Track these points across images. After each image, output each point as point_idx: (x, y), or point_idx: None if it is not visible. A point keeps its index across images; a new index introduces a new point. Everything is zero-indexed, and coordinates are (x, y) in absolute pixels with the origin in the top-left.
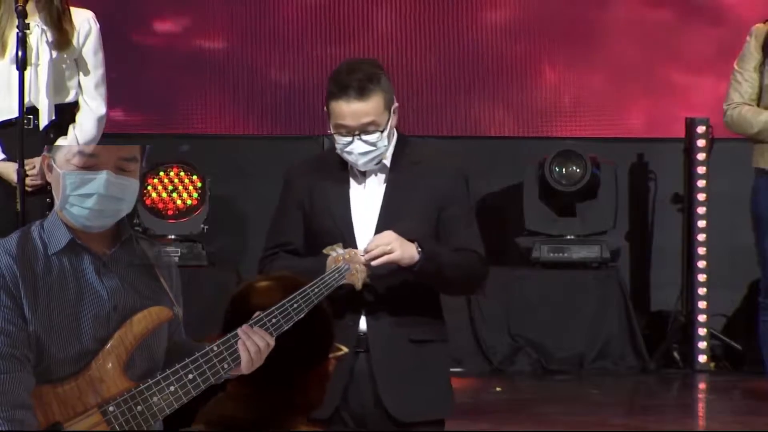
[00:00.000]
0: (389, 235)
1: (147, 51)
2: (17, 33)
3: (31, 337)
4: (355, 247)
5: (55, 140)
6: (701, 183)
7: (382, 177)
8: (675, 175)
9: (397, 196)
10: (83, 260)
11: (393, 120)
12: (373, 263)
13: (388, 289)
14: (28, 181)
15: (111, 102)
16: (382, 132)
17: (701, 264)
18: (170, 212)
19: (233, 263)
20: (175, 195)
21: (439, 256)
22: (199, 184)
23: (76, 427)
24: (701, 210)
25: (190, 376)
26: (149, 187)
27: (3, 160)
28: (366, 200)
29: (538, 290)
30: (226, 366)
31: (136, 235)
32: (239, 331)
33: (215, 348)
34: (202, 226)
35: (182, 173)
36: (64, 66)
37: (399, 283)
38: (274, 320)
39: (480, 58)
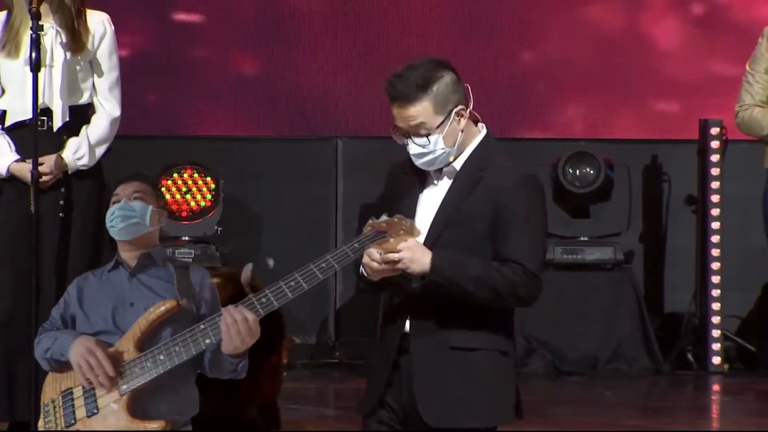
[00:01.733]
0: (406, 244)
1: (163, 48)
2: (31, 34)
3: (68, 321)
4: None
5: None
6: (715, 184)
7: (449, 182)
8: (689, 177)
9: (453, 200)
10: (121, 273)
11: (455, 123)
12: (382, 268)
13: (429, 297)
14: (41, 180)
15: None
16: (429, 135)
17: (715, 265)
18: (184, 214)
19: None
20: (188, 196)
21: (454, 270)
22: (212, 186)
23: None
24: (715, 211)
25: (177, 348)
26: (163, 189)
27: (17, 161)
28: (431, 203)
29: (551, 292)
30: (208, 341)
31: (166, 255)
32: (223, 309)
33: (202, 325)
34: (216, 227)
35: (196, 175)
36: (78, 68)
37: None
38: (264, 299)
39: (496, 59)
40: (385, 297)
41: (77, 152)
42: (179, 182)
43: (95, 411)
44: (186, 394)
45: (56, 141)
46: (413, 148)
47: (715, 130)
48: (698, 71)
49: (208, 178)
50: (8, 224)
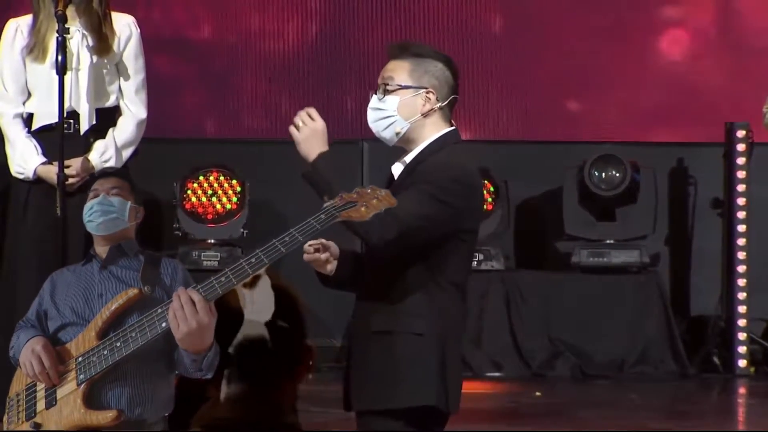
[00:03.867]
0: (313, 124)
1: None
2: (57, 38)
3: (41, 316)
4: None
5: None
6: (741, 187)
7: (397, 171)
8: (715, 180)
9: (395, 190)
10: (93, 265)
11: (420, 100)
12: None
13: (368, 283)
14: (68, 183)
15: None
16: (391, 91)
17: (741, 268)
18: (210, 216)
19: (273, 267)
20: (214, 199)
21: (330, 175)
22: (238, 189)
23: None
24: (741, 214)
25: (133, 334)
26: (189, 192)
27: (44, 163)
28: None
29: (577, 295)
30: (164, 324)
31: (137, 248)
32: (174, 293)
33: (159, 309)
34: (242, 230)
35: (222, 177)
36: (104, 71)
37: (376, 278)
38: (223, 278)
39: (522, 63)
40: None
41: (104, 155)
42: (205, 185)
43: (54, 403)
44: (157, 391)
45: (83, 144)
46: (372, 101)
47: (741, 133)
48: (724, 73)
49: (234, 181)
50: (35, 227)
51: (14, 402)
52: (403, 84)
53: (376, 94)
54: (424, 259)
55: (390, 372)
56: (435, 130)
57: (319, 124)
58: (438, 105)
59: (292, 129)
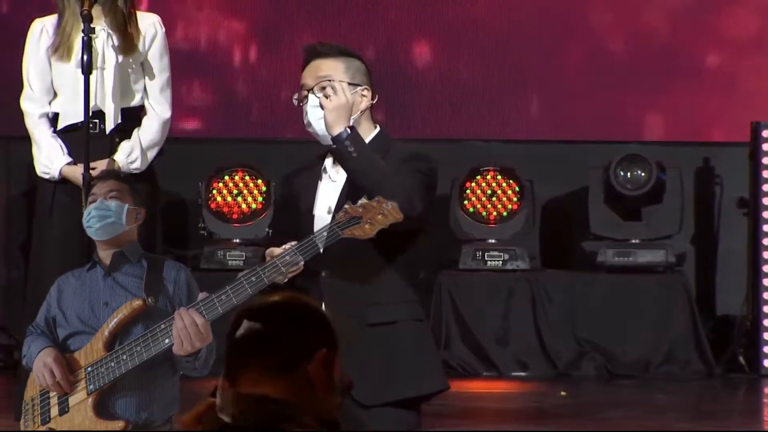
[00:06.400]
0: (338, 95)
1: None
2: (82, 37)
3: (50, 322)
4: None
5: (120, 144)
6: (766, 187)
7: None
8: (741, 179)
9: (353, 187)
10: (97, 272)
11: (357, 98)
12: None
13: (342, 280)
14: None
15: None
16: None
17: (766, 268)
18: (235, 216)
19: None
20: (240, 199)
21: (364, 148)
22: (263, 188)
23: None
24: (766, 214)
25: (138, 348)
26: (214, 191)
27: (69, 163)
28: (329, 192)
29: (603, 294)
30: (167, 340)
31: (141, 252)
32: (175, 312)
33: (162, 325)
34: (267, 229)
35: (247, 177)
36: (129, 70)
37: (352, 270)
38: (223, 297)
39: (548, 61)
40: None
41: (130, 156)
42: (230, 184)
43: (66, 410)
44: (162, 393)
45: (108, 143)
46: (312, 101)
47: (766, 133)
48: (750, 73)
49: (259, 181)
50: (60, 227)
51: (29, 406)
52: (344, 81)
53: (312, 93)
54: (404, 248)
55: (401, 361)
56: (370, 126)
57: (343, 98)
58: (372, 102)
59: (321, 96)
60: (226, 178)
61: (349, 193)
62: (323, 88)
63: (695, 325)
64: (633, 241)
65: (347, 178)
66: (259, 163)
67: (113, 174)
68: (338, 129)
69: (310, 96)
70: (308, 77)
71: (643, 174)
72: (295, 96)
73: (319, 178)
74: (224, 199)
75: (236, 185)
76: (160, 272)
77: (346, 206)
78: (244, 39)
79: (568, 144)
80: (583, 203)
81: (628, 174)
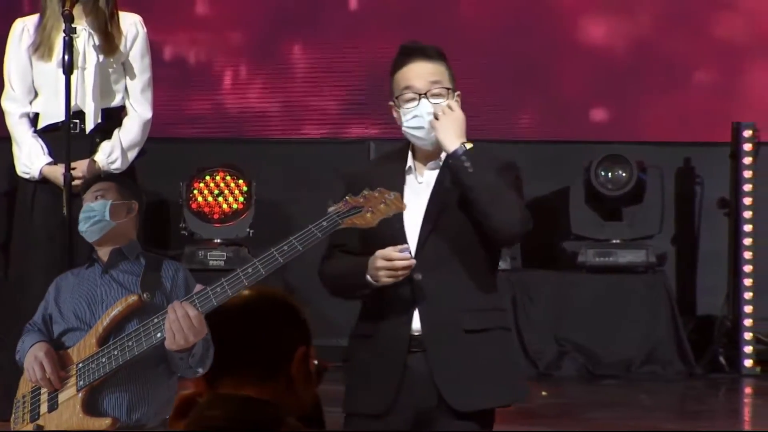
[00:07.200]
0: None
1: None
2: (64, 37)
3: (47, 320)
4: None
5: (100, 144)
6: (747, 187)
7: (435, 173)
8: (721, 180)
9: (445, 186)
10: (95, 270)
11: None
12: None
13: (437, 284)
14: (74, 184)
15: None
16: (443, 97)
17: (747, 268)
18: (216, 216)
19: (279, 268)
20: (221, 199)
21: (481, 165)
22: (245, 188)
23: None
24: (747, 214)
25: (129, 343)
26: (195, 191)
27: (49, 163)
28: (419, 195)
29: (584, 295)
30: (159, 335)
31: (139, 250)
32: (169, 305)
33: (155, 319)
34: (248, 230)
35: (228, 177)
36: (110, 70)
37: (448, 277)
38: (218, 289)
39: (532, 62)
40: (374, 295)
41: (110, 156)
42: (211, 185)
43: (56, 407)
44: (156, 395)
45: (89, 143)
46: (425, 107)
47: (747, 133)
48: (730, 73)
49: (241, 181)
50: (42, 227)
51: (20, 403)
52: (449, 88)
53: (425, 97)
54: (495, 256)
55: (494, 369)
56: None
57: (459, 114)
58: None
59: (431, 118)
60: (208, 178)
61: (439, 193)
62: (435, 95)
63: (676, 325)
64: (614, 241)
65: (437, 181)
66: (240, 164)
67: (96, 178)
68: (455, 144)
69: (423, 101)
70: (417, 80)
71: (624, 174)
72: (408, 95)
73: (401, 175)
74: (205, 199)
75: (217, 185)
76: (158, 270)
77: (347, 197)
78: (236, 53)
79: (550, 144)
80: (564, 203)
81: (609, 174)
